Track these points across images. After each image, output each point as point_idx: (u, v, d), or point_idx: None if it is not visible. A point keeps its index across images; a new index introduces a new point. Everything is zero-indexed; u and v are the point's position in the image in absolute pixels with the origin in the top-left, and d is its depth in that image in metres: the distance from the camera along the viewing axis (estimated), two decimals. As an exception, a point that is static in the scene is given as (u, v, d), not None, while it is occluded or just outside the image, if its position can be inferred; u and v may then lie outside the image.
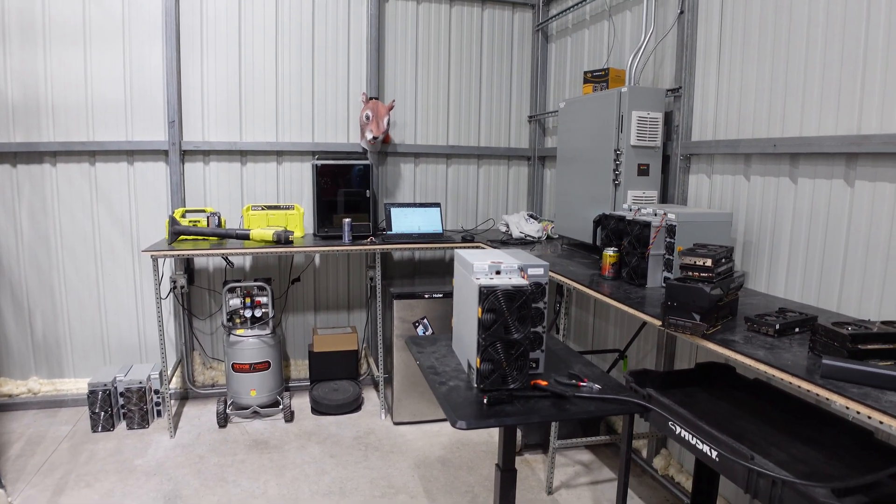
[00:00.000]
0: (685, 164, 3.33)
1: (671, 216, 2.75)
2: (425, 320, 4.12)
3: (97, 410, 3.99)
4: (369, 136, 4.32)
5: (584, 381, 1.96)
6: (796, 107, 2.62)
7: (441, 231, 4.41)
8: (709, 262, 2.16)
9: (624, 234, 2.94)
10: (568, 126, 3.95)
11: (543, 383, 1.92)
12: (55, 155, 4.25)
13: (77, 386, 4.40)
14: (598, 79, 3.69)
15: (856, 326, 1.85)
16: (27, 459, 3.69)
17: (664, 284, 2.56)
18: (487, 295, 1.84)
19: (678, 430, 2.15)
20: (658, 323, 2.24)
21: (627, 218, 2.93)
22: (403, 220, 4.38)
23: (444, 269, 4.97)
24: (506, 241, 4.10)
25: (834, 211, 2.45)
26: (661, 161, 3.41)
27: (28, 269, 4.34)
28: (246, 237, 4.00)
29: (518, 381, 1.90)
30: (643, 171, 3.41)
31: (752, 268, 2.89)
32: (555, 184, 4.15)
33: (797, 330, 2.15)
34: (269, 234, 3.95)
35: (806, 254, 2.59)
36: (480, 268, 1.94)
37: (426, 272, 4.94)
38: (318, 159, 4.16)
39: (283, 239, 3.94)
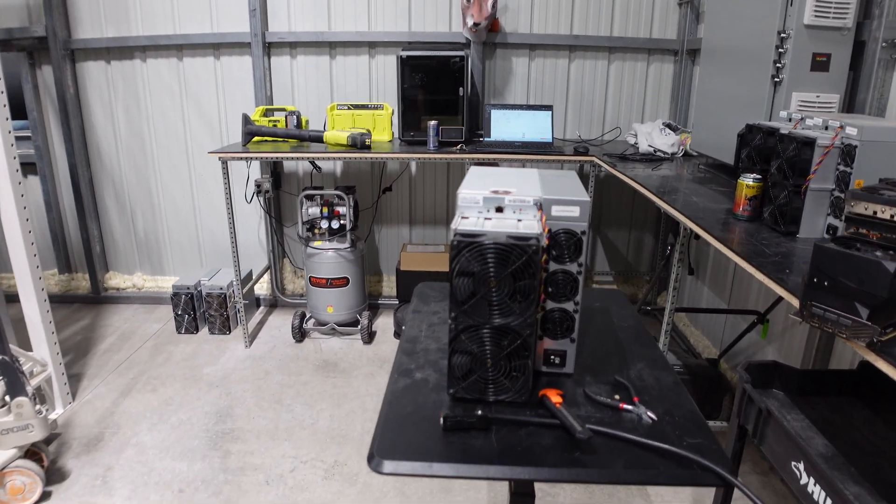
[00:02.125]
0: (888, 54, 2.16)
1: (850, 130, 1.70)
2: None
3: (180, 313, 3.74)
4: (470, 22, 3.43)
5: (632, 402, 1.13)
6: None
7: (550, 140, 3.48)
8: (900, 216, 1.19)
9: (773, 154, 1.92)
10: (717, 5, 2.82)
11: (556, 399, 1.11)
12: (144, 50, 3.85)
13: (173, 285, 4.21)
14: (768, -70, 2.52)
15: None
16: (112, 355, 3.55)
17: (820, 241, 1.46)
18: (462, 249, 1.04)
19: (805, 479, 1.28)
20: (795, 303, 1.32)
21: (781, 131, 1.90)
22: (505, 126, 3.51)
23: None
24: (626, 157, 3.13)
25: None
26: (849, 50, 2.25)
27: (126, 166, 4.09)
28: (319, 139, 3.38)
29: (511, 392, 1.12)
30: (820, 63, 2.26)
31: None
32: (697, 84, 3.07)
33: None
34: (343, 136, 3.30)
35: None
36: (470, 199, 1.14)
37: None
38: (404, 49, 3.38)
39: (358, 143, 3.27)
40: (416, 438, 1.02)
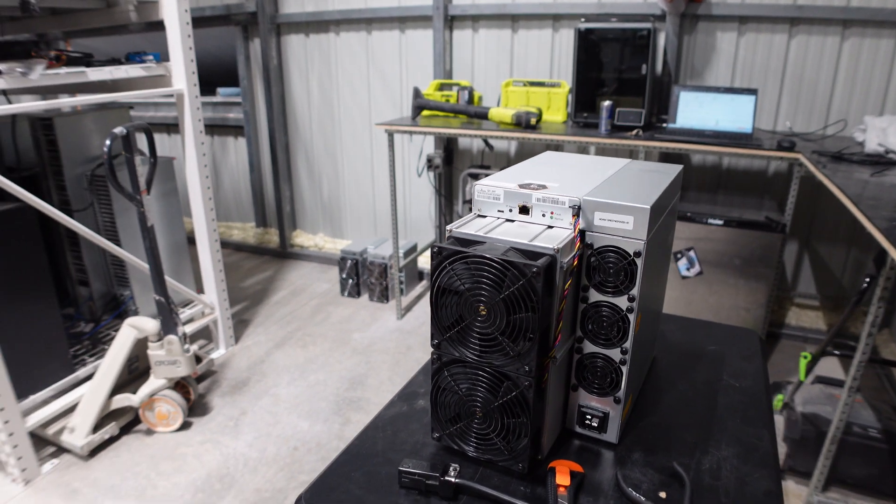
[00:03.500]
0: None
1: None
2: (692, 253, 2.79)
3: (345, 277, 3.80)
4: (667, -11, 2.94)
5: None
6: None
7: (750, 130, 2.84)
8: None
9: None
10: None
11: (563, 479, 0.76)
12: (338, 24, 3.91)
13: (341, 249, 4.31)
14: None
15: None
16: (280, 307, 3.74)
17: None
18: (445, 260, 0.75)
19: None
20: None
21: None
22: (696, 111, 2.93)
23: (763, 188, 3.34)
24: (843, 156, 2.43)
25: None
26: None
27: (316, 134, 4.24)
28: (484, 116, 3.12)
29: (504, 455, 0.80)
30: None
31: None
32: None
33: None
34: (508, 114, 3.01)
35: None
36: (488, 192, 0.83)
37: (735, 187, 3.39)
38: (584, 21, 2.99)
39: (523, 122, 2.96)
40: (363, 491, 0.77)
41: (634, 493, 0.76)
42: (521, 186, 0.82)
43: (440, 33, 3.58)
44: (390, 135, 3.22)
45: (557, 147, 3.53)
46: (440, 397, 0.82)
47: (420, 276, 4.08)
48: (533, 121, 2.99)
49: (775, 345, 3.37)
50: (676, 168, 1.00)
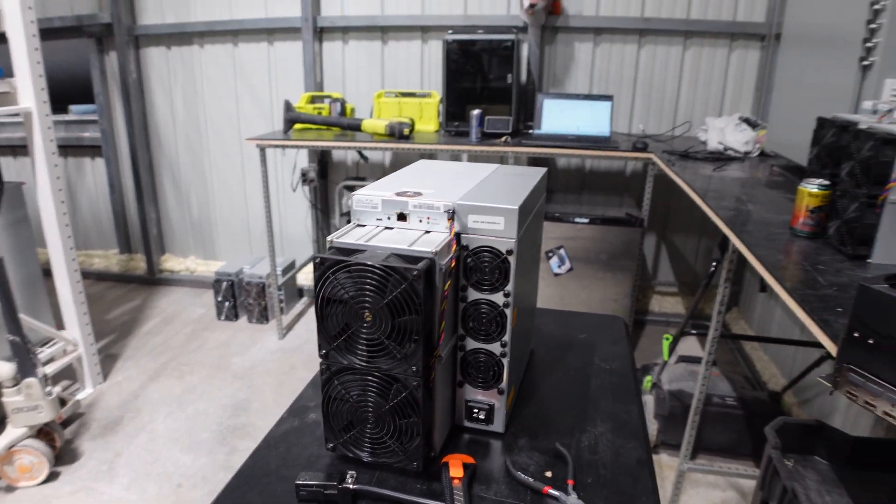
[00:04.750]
0: None
1: (949, 125, 1.28)
2: (562, 251, 2.98)
3: (221, 300, 3.65)
4: (526, 3, 3.08)
5: (565, 485, 0.81)
6: None
7: (608, 134, 3.07)
8: None
9: (846, 156, 1.51)
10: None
11: (457, 471, 0.80)
12: (202, 35, 3.79)
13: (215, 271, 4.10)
14: None
15: None
16: (151, 338, 3.52)
17: (868, 280, 0.95)
18: (328, 270, 0.77)
19: None
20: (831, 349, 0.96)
21: (859, 126, 1.48)
22: (558, 117, 3.13)
23: (622, 187, 3.62)
24: (689, 154, 2.70)
25: None
26: (965, 25, 1.78)
27: (183, 151, 4.06)
28: (357, 128, 3.16)
29: (399, 457, 0.82)
30: (925, 42, 1.81)
31: None
32: (777, 73, 2.60)
33: None
34: (381, 125, 3.06)
35: None
36: (366, 202, 0.87)
37: (598, 187, 3.65)
38: (450, 34, 3.11)
39: (396, 132, 3.02)
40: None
41: (523, 476, 0.82)
42: (398, 194, 0.85)
43: (310, 45, 3.56)
44: (262, 150, 3.16)
45: (431, 156, 3.62)
46: (332, 407, 0.83)
47: (300, 293, 4.00)
48: (406, 131, 3.05)
49: (642, 330, 3.65)
50: (541, 171, 1.08)
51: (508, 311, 0.84)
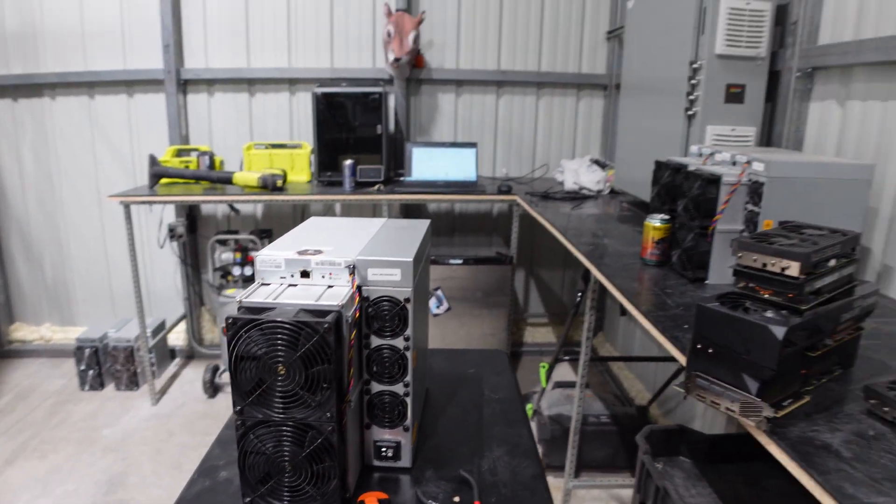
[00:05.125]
0: (805, 84, 2.01)
1: (757, 167, 1.54)
2: (439, 292, 3.11)
3: (84, 368, 3.40)
4: (391, 57, 3.26)
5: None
6: None
7: (474, 179, 3.28)
8: (793, 269, 0.99)
9: (680, 194, 1.75)
10: (635, 35, 2.68)
11: (374, 508, 0.90)
12: (54, 87, 3.58)
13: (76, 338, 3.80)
14: (680, -40, 2.41)
15: None
16: (5, 416, 3.19)
17: (704, 300, 1.12)
18: (241, 328, 0.82)
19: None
20: (682, 360, 1.13)
21: (689, 168, 1.74)
22: (427, 164, 3.30)
23: (490, 227, 3.85)
24: (549, 195, 2.95)
25: None
26: (765, 81, 2.10)
27: (34, 210, 3.77)
28: (228, 181, 3.14)
29: (318, 501, 0.86)
30: (734, 95, 2.11)
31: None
32: (619, 119, 2.93)
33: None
34: (253, 178, 3.07)
35: None
36: (269, 261, 0.92)
37: (468, 229, 3.85)
38: (319, 86, 3.18)
39: (269, 184, 3.03)
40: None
41: (429, 501, 0.89)
42: (300, 253, 0.91)
43: (174, 98, 3.49)
44: (127, 206, 3.04)
45: (305, 207, 3.64)
46: (248, 460, 0.86)
47: (172, 354, 3.82)
48: (279, 182, 3.07)
49: (519, 361, 3.84)
50: (425, 223, 1.18)
51: (409, 354, 0.92)
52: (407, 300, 0.90)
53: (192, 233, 3.68)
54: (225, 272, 3.32)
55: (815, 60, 1.94)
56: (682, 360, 1.12)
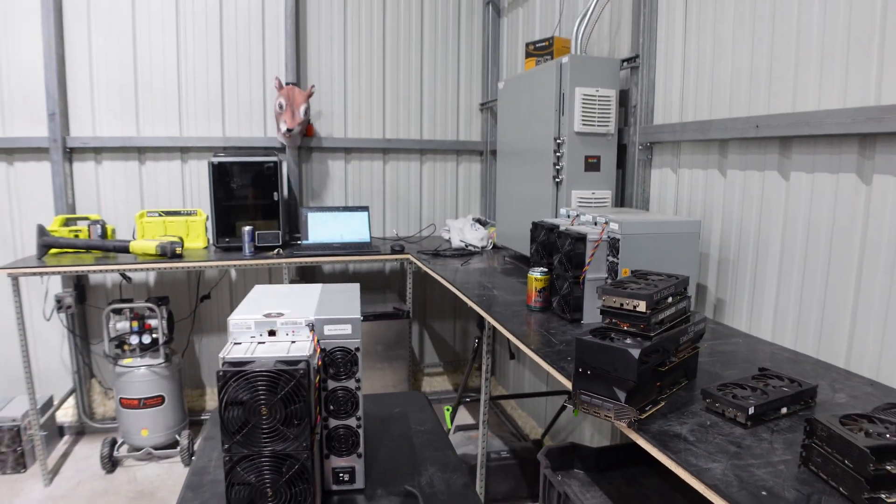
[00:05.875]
0: (646, 155, 2.47)
1: (613, 226, 1.91)
2: (343, 347, 3.32)
3: (-38, 453, 3.24)
4: (283, 127, 3.48)
5: (420, 514, 1.14)
6: (786, 72, 1.77)
7: (368, 240, 3.54)
8: (641, 306, 1.32)
9: (555, 249, 2.10)
10: (507, 111, 3.09)
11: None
12: (-81, 154, 3.49)
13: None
14: (542, 51, 2.83)
15: (880, 423, 1.03)
16: None
17: (580, 334, 1.47)
18: (229, 379, 1.01)
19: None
20: (569, 387, 1.42)
21: (560, 228, 2.09)
22: (322, 228, 3.53)
23: (384, 284, 4.11)
24: (439, 252, 3.26)
25: (842, 218, 1.61)
26: (615, 152, 2.55)
27: None
28: (125, 250, 3.18)
29: (298, 522, 1.08)
30: (592, 164, 2.55)
31: (730, 296, 2.03)
32: (497, 182, 3.32)
33: (783, 411, 1.32)
34: (151, 246, 3.13)
35: (802, 279, 1.73)
36: (241, 324, 1.12)
37: (363, 287, 4.07)
38: (215, 156, 3.33)
39: (168, 252, 3.11)
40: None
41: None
42: (266, 316, 1.11)
43: (59, 166, 3.47)
44: (15, 279, 2.97)
45: (200, 273, 3.70)
46: (234, 493, 1.03)
47: (61, 431, 3.66)
48: (178, 250, 3.15)
49: (418, 411, 4.05)
50: (356, 286, 1.41)
51: (360, 393, 1.14)
52: (357, 349, 1.12)
53: (80, 303, 3.61)
54: (120, 342, 3.29)
55: (652, 136, 2.40)
56: (568, 384, 1.41)
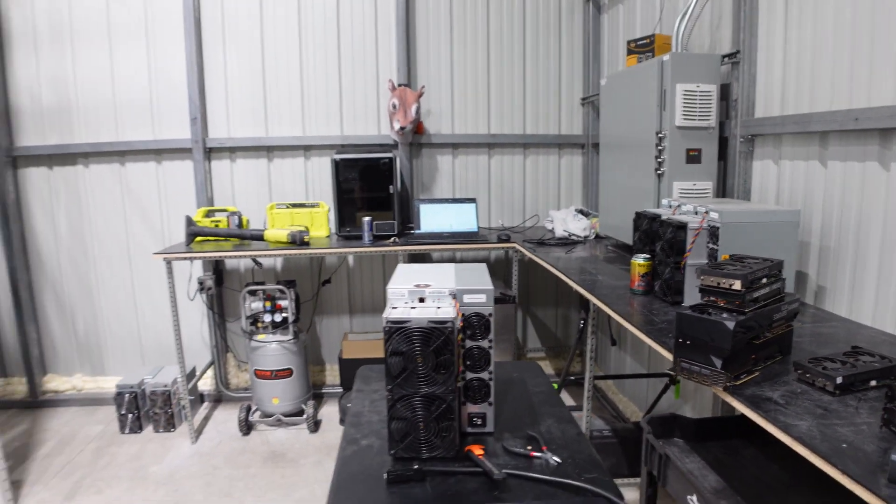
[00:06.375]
0: (747, 147, 2.58)
1: (713, 215, 2.06)
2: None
3: (124, 412, 3.76)
4: (396, 126, 3.80)
5: (541, 451, 1.37)
6: (887, 65, 1.86)
7: (476, 230, 3.81)
8: (736, 285, 1.49)
9: (657, 237, 2.27)
10: (609, 106, 3.26)
11: (479, 452, 1.33)
12: (87, 156, 4.05)
13: (116, 385, 4.18)
14: (643, 48, 2.98)
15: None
16: (52, 459, 3.51)
17: (680, 309, 1.65)
18: (393, 333, 1.28)
19: (697, 510, 1.52)
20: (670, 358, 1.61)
21: (662, 217, 2.25)
22: (433, 218, 3.83)
23: (489, 271, 4.33)
24: (544, 241, 3.47)
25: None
26: (716, 145, 2.67)
27: (67, 269, 4.18)
28: (260, 238, 3.60)
29: (441, 449, 1.33)
30: (693, 157, 2.68)
31: (831, 283, 2.13)
32: (600, 174, 3.47)
33: (872, 384, 1.44)
34: (283, 234, 3.54)
35: (900, 266, 1.84)
36: (397, 293, 1.39)
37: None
38: (337, 153, 3.69)
39: (297, 240, 3.51)
40: (365, 493, 1.22)
41: (516, 449, 1.35)
42: (417, 286, 1.38)
43: (200, 164, 3.97)
44: (169, 263, 3.46)
45: (322, 259, 4.10)
46: (393, 424, 1.30)
47: (202, 398, 4.19)
48: (306, 238, 3.53)
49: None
50: (483, 265, 1.66)
51: (492, 351, 1.38)
52: (490, 315, 1.37)
53: (218, 285, 4.11)
54: (255, 319, 3.73)
55: (753, 129, 2.51)
56: (669, 356, 1.60)
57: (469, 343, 1.40)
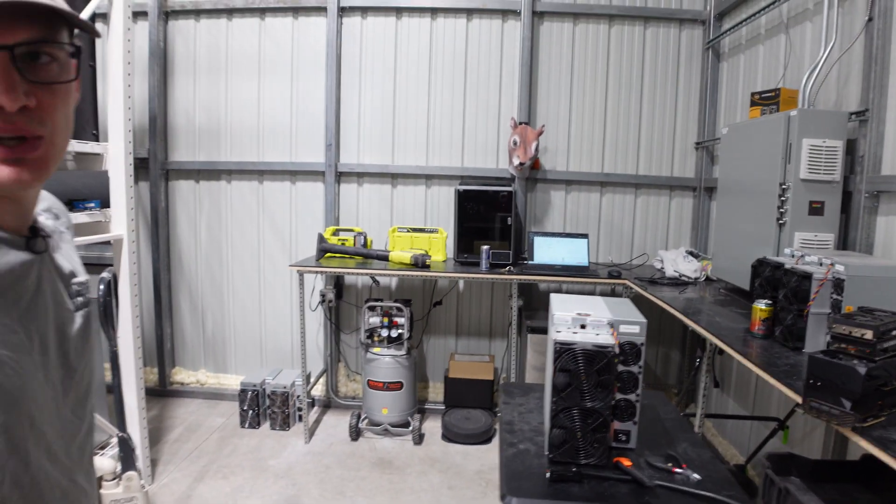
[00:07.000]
0: (872, 202, 2.68)
1: (839, 267, 2.19)
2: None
3: (245, 408, 4.16)
4: (516, 161, 4.06)
5: (681, 468, 1.56)
6: None
7: (587, 264, 4.02)
8: (868, 335, 1.63)
9: (780, 285, 2.40)
10: (730, 154, 3.41)
11: (627, 463, 1.54)
12: (230, 173, 4.54)
13: (236, 382, 4.57)
14: (768, 101, 3.12)
15: None
16: (182, 444, 3.94)
17: (813, 353, 1.87)
18: (562, 353, 1.51)
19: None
20: (799, 400, 1.75)
21: (786, 266, 2.39)
22: (547, 250, 4.05)
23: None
24: (655, 281, 3.62)
25: None
26: (839, 199, 2.78)
27: (203, 273, 4.67)
28: (385, 258, 3.93)
29: (594, 457, 1.54)
30: (816, 209, 2.80)
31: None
32: (715, 219, 3.59)
33: None
34: (407, 256, 3.85)
35: None
36: (562, 319, 1.62)
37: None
38: (461, 184, 4.00)
39: (419, 262, 3.81)
40: (531, 486, 1.45)
41: (659, 464, 1.54)
42: (579, 314, 1.60)
43: (331, 187, 4.37)
44: (301, 274, 3.83)
45: (435, 281, 4.40)
46: (554, 432, 1.53)
47: (313, 402, 4.54)
48: (427, 261, 3.83)
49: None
50: (628, 300, 1.87)
51: (640, 376, 1.59)
52: (642, 344, 1.59)
53: (338, 299, 4.47)
54: (371, 333, 4.05)
55: (879, 186, 2.62)
56: (795, 397, 1.75)
57: (621, 367, 1.61)
